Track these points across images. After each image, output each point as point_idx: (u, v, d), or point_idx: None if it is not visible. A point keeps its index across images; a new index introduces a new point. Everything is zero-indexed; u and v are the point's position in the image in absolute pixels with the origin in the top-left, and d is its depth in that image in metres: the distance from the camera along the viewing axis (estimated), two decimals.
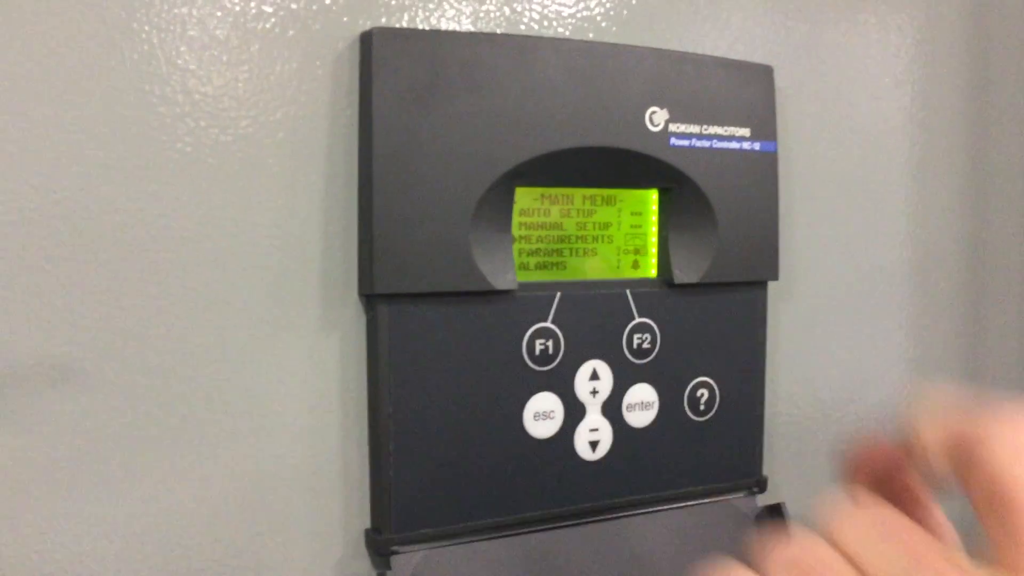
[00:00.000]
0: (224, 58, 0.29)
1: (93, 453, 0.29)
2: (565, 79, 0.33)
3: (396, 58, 0.30)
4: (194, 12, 0.29)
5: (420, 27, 0.32)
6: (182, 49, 0.29)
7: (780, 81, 0.39)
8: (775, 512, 0.39)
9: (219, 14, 0.29)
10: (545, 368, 0.34)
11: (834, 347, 0.43)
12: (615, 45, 0.34)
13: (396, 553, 0.32)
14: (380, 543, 0.32)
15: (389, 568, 0.31)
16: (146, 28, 0.28)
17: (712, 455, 0.38)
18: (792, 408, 0.42)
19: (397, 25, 0.32)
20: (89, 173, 0.28)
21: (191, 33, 0.29)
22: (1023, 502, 0.17)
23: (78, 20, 0.27)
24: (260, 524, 0.31)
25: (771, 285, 0.39)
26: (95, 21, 0.28)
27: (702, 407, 0.37)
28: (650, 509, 0.37)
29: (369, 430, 0.33)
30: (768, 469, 0.40)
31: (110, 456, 0.29)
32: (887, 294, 0.44)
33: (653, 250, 0.37)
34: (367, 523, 0.33)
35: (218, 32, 0.29)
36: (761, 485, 0.39)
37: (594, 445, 0.35)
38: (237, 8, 0.29)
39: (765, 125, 0.37)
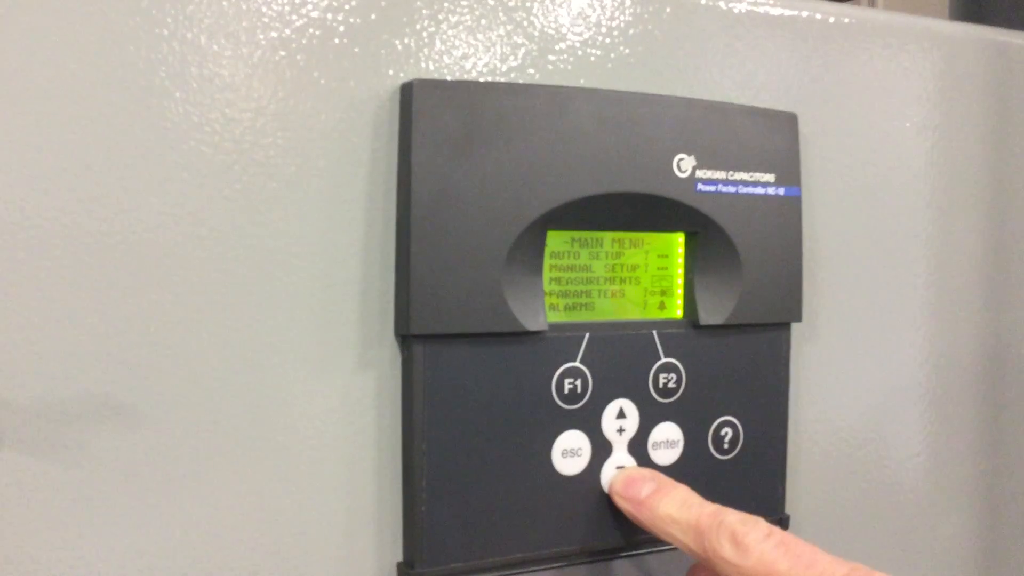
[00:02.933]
0: (271, 108, 0.31)
1: (135, 487, 0.30)
2: (596, 127, 0.34)
3: (435, 108, 0.32)
4: (244, 66, 0.30)
5: (458, 78, 0.34)
6: (232, 99, 0.30)
7: (804, 128, 0.40)
8: None
9: (270, 66, 0.31)
10: (573, 407, 0.35)
11: (856, 388, 0.44)
12: (644, 94, 0.35)
13: None
14: None
15: None
16: (199, 80, 0.30)
17: (735, 493, 0.38)
18: (814, 448, 0.43)
19: (436, 76, 0.33)
20: (141, 219, 0.29)
21: (241, 87, 0.30)
22: None
23: (136, 73, 0.29)
24: (295, 556, 0.32)
25: (795, 327, 0.40)
26: (153, 74, 0.29)
27: (726, 446, 0.38)
28: (675, 546, 0.37)
29: (403, 466, 0.34)
30: (790, 508, 0.41)
31: (150, 490, 0.30)
32: (909, 336, 0.45)
33: (679, 292, 0.38)
34: (399, 556, 0.34)
35: (268, 85, 0.31)
36: (783, 524, 0.40)
37: None
38: (284, 61, 0.31)
39: (790, 171, 0.38)
